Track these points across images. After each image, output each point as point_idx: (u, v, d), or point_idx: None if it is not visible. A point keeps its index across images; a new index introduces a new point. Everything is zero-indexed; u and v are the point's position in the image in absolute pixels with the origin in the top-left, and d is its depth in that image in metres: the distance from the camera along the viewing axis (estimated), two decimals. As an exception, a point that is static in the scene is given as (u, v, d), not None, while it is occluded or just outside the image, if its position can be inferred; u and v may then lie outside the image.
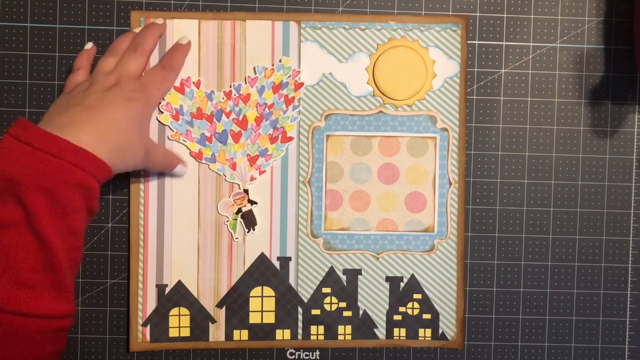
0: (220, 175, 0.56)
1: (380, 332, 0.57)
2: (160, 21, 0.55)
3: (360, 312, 0.57)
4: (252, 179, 0.56)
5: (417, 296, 0.57)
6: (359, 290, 0.57)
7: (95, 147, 0.46)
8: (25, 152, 0.43)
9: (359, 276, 0.57)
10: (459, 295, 0.57)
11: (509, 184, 0.57)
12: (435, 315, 0.57)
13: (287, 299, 0.57)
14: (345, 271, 0.57)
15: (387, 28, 0.56)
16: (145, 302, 0.56)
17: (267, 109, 0.56)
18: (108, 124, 0.47)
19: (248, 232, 0.56)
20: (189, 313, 0.56)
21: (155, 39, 0.54)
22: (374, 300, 0.57)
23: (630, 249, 0.58)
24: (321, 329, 0.57)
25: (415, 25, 0.56)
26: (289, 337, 0.57)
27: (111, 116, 0.48)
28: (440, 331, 0.57)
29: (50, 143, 0.44)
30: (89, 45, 0.55)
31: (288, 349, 0.57)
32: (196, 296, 0.56)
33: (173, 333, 0.56)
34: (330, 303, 0.57)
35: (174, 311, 0.56)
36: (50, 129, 0.45)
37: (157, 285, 0.56)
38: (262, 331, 0.57)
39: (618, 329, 0.58)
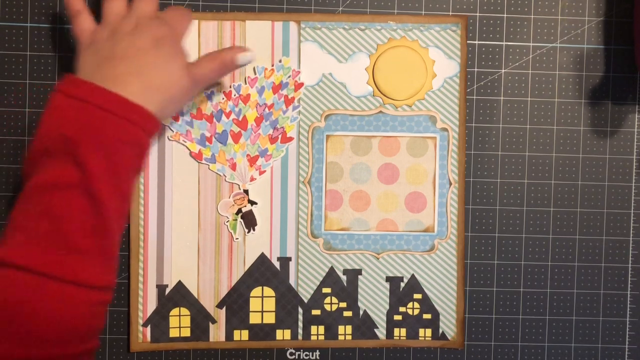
0: (220, 175, 0.56)
1: (381, 332, 0.57)
2: None
3: (361, 312, 0.57)
4: (252, 179, 0.56)
5: (417, 296, 0.57)
6: (359, 290, 0.57)
7: (145, 98, 0.44)
8: (82, 110, 0.41)
9: (359, 276, 0.57)
10: (459, 295, 0.57)
11: (509, 184, 0.57)
12: (436, 315, 0.57)
13: (287, 299, 0.57)
14: (345, 271, 0.57)
15: (387, 28, 0.56)
16: (146, 302, 0.56)
17: (267, 109, 0.56)
18: (148, 69, 0.45)
19: (248, 232, 0.56)
20: (189, 313, 0.56)
21: None
22: (374, 300, 0.57)
23: (630, 249, 0.58)
24: (321, 329, 0.57)
25: (415, 25, 0.56)
26: (289, 337, 0.57)
27: (148, 60, 0.46)
28: (440, 331, 0.58)
29: (108, 99, 0.42)
30: None
31: (288, 349, 0.57)
32: (196, 296, 0.56)
33: (173, 333, 0.56)
34: (331, 303, 0.57)
35: (175, 311, 0.56)
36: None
37: (157, 286, 0.56)
38: (262, 331, 0.57)
39: (618, 329, 0.58)
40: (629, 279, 0.58)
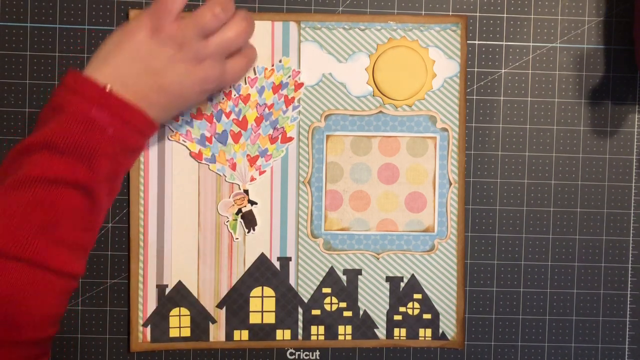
0: (220, 175, 0.56)
1: (381, 332, 0.57)
2: None
3: (361, 312, 0.57)
4: (252, 179, 0.56)
5: (417, 296, 0.57)
6: (359, 290, 0.57)
7: (161, 120, 0.47)
8: (111, 125, 0.43)
9: (359, 276, 0.57)
10: (459, 295, 0.57)
11: (509, 184, 0.57)
12: (436, 315, 0.57)
13: (287, 299, 0.57)
14: (345, 271, 0.57)
15: (387, 28, 0.56)
16: (146, 302, 0.56)
17: (267, 109, 0.56)
18: (179, 104, 0.48)
19: (248, 232, 0.56)
20: (189, 313, 0.56)
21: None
22: (374, 300, 0.57)
23: (630, 249, 0.58)
24: (321, 329, 0.57)
25: (415, 25, 0.56)
26: (289, 337, 0.57)
27: (185, 101, 0.48)
28: (440, 331, 0.58)
29: (130, 114, 0.44)
30: None
31: (288, 349, 0.57)
32: (196, 296, 0.56)
33: (173, 333, 0.56)
34: (331, 303, 0.57)
35: (175, 311, 0.56)
36: (125, 93, 0.44)
37: (157, 286, 0.56)
38: (262, 331, 0.57)
39: (618, 329, 0.58)
40: (629, 279, 0.58)
